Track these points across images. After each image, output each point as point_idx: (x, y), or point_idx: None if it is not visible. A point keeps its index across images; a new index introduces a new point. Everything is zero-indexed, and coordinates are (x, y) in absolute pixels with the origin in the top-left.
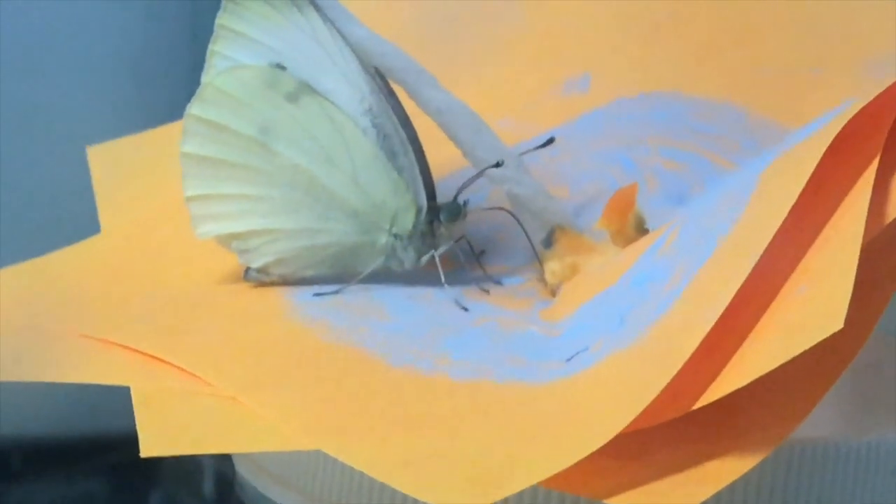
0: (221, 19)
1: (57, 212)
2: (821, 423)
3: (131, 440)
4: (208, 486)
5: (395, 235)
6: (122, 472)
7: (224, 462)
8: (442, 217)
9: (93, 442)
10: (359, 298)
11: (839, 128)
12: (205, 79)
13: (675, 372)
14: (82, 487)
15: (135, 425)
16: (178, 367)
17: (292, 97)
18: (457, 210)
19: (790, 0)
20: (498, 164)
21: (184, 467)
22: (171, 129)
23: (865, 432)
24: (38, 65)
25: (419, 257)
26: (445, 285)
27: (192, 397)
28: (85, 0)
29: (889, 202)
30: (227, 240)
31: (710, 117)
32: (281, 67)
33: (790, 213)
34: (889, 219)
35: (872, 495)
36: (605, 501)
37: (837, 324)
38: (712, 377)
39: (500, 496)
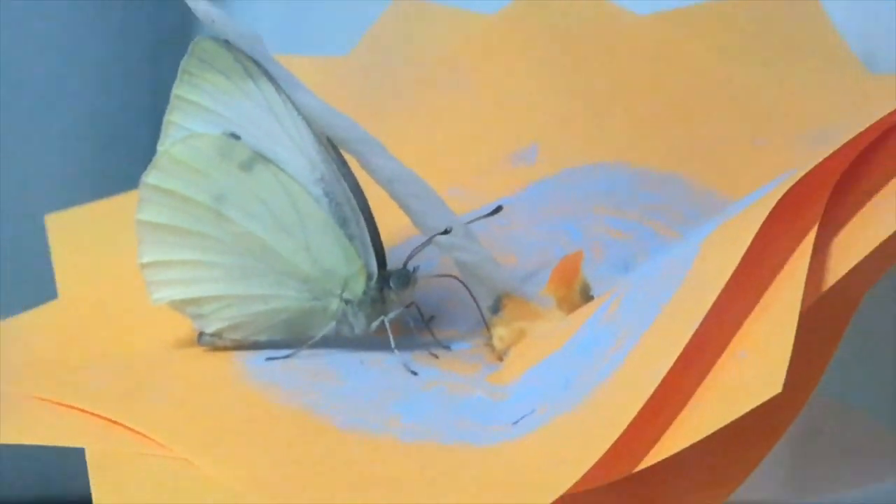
0: (177, 90)
1: (13, 278)
2: (760, 485)
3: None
4: None
5: (346, 301)
6: None
7: None
8: (392, 283)
9: None
10: (310, 363)
11: (779, 197)
12: (160, 148)
13: (617, 434)
14: None
15: (87, 489)
16: (133, 430)
17: (246, 166)
18: (406, 277)
19: (732, 77)
20: (446, 232)
21: None
22: (128, 198)
23: (804, 496)
24: None
25: (369, 323)
26: (395, 350)
27: (146, 459)
28: (45, 67)
29: (827, 270)
30: (181, 305)
31: (655, 188)
32: (235, 137)
33: (730, 279)
34: (827, 286)
35: None
36: None
37: (776, 389)
38: (654, 440)
39: None
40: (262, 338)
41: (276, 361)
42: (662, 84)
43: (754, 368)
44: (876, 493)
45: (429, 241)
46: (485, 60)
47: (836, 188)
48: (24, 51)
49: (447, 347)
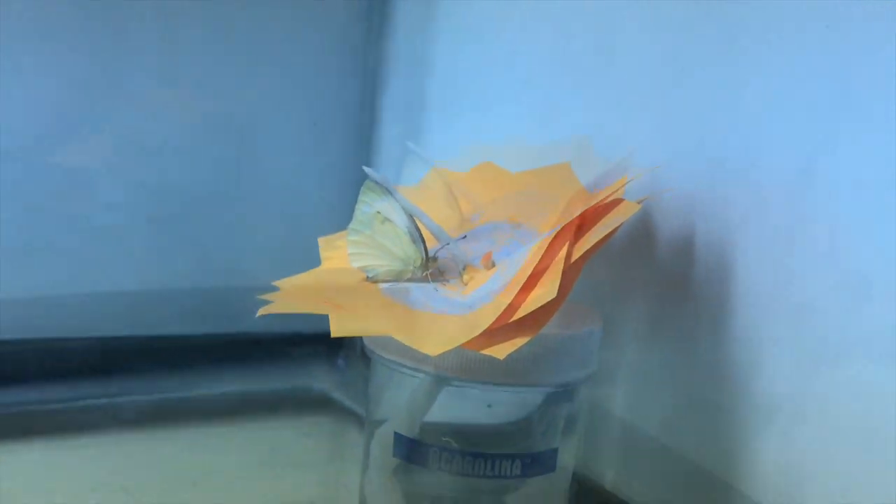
0: (361, 196)
1: (307, 255)
2: (551, 327)
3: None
4: (357, 350)
5: (415, 267)
6: (329, 343)
7: (361, 340)
8: (430, 261)
9: (311, 335)
10: (402, 287)
11: (556, 232)
12: (355, 214)
13: (502, 310)
14: (306, 350)
15: (325, 326)
16: (344, 308)
17: (383, 221)
18: (435, 259)
19: (547, 176)
20: (447, 244)
21: (349, 343)
22: (343, 234)
23: (567, 330)
24: (282, 202)
25: (422, 274)
26: (431, 282)
27: (349, 314)
28: (308, 183)
29: (572, 256)
30: (361, 268)
31: (518, 228)
32: (379, 213)
33: (539, 260)
34: (571, 261)
35: (570, 358)
36: (482, 351)
37: (553, 295)
38: (513, 311)
39: (446, 348)
40: (388, 280)
41: (392, 288)
42: (525, 185)
43: (545, 290)
44: (587, 333)
45: (441, 247)
46: (462, 186)
47: (577, 228)
48: (298, 180)
49: (448, 281)
